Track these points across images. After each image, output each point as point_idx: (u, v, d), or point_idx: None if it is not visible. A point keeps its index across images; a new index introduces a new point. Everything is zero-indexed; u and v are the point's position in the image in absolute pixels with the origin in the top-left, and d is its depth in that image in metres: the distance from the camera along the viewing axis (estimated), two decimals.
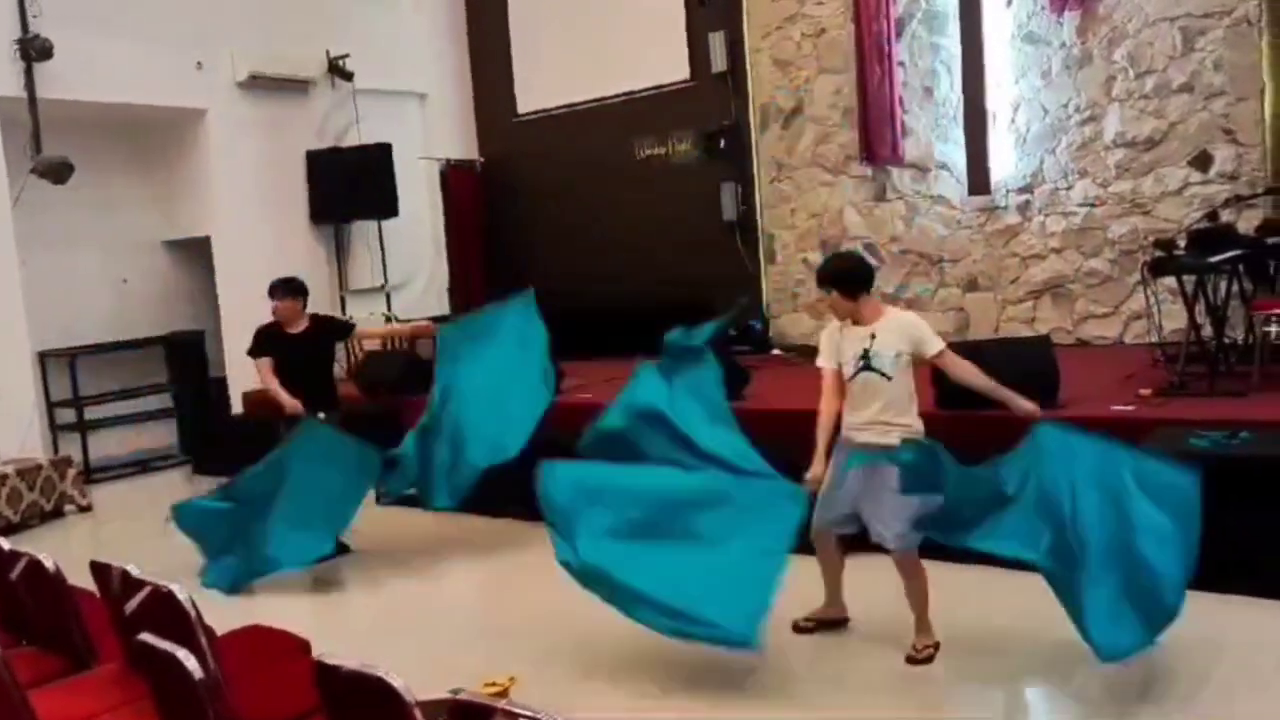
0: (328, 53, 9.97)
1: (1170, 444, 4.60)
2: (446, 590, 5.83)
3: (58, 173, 8.00)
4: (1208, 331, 6.14)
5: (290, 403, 5.89)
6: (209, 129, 9.36)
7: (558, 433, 6.91)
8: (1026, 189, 8.19)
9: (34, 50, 7.95)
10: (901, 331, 4.02)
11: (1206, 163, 7.45)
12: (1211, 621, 4.12)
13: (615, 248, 10.14)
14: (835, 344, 4.08)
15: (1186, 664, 3.81)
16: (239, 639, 3.49)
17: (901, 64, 8.62)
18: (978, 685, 3.87)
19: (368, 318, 9.84)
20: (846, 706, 3.73)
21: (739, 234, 9.64)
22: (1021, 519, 3.67)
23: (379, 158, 9.85)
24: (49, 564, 3.34)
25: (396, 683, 2.10)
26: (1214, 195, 7.26)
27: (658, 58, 9.91)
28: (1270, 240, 6.07)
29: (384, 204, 9.94)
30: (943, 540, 3.88)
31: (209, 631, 2.91)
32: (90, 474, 8.83)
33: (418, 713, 2.08)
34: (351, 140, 10.06)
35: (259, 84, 9.51)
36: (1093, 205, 7.92)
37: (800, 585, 4.07)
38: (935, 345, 4.02)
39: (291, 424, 5.95)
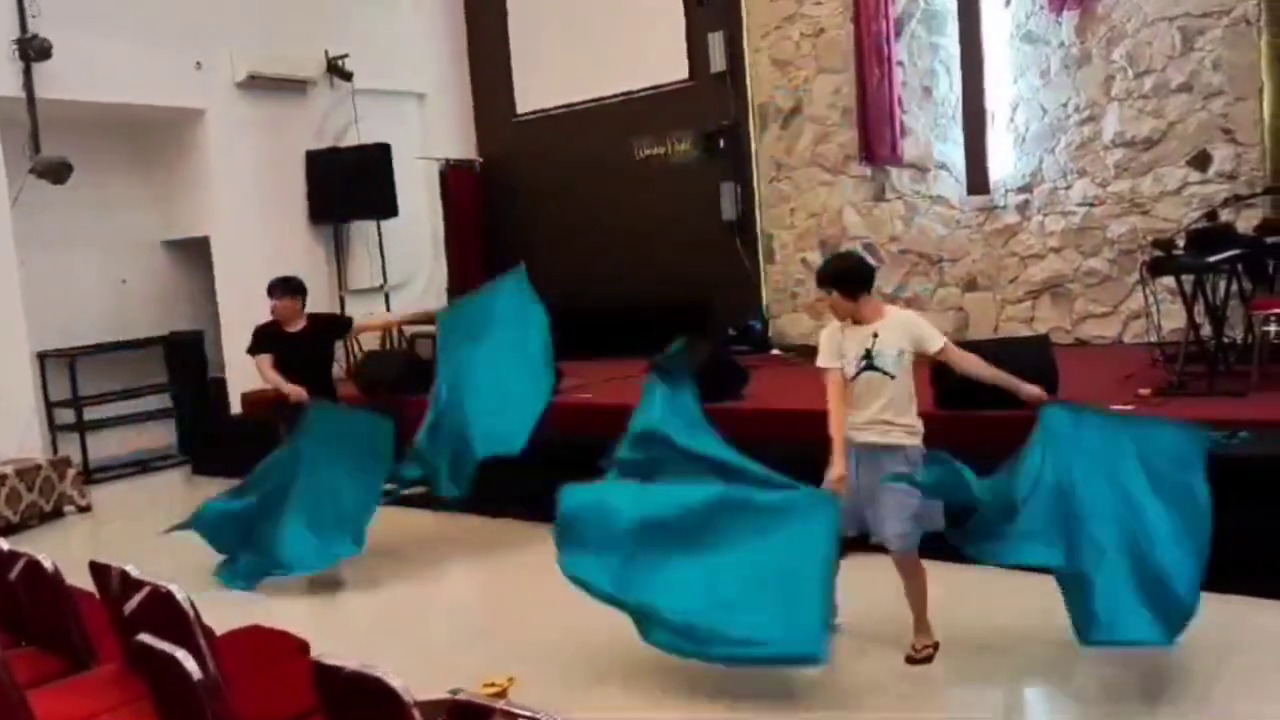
0: (327, 53, 9.97)
1: None
2: (445, 590, 5.84)
3: (57, 173, 8.00)
4: (1207, 331, 6.14)
5: (294, 390, 5.86)
6: (208, 129, 9.36)
7: (557, 433, 6.96)
8: (1025, 189, 8.19)
9: (33, 50, 7.95)
10: (903, 329, 4.02)
11: (1205, 162, 7.45)
12: (1210, 621, 4.11)
13: (614, 248, 10.14)
14: (837, 344, 4.08)
15: (1184, 664, 3.81)
16: (238, 639, 3.48)
17: (900, 64, 8.62)
18: (977, 685, 3.87)
19: (368, 315, 9.84)
20: (846, 706, 3.73)
21: (738, 234, 9.64)
22: (1039, 522, 3.68)
23: (378, 158, 9.85)
24: (48, 564, 3.33)
25: (395, 683, 2.10)
26: (1213, 195, 7.26)
27: (657, 58, 9.91)
28: (1269, 240, 6.07)
29: (383, 204, 9.94)
30: (974, 555, 3.85)
31: (208, 632, 2.91)
32: (89, 474, 8.83)
33: (416, 713, 2.08)
34: (350, 140, 10.06)
35: (258, 84, 9.51)
36: (1092, 205, 7.92)
37: None
38: (937, 341, 4.03)
39: (293, 423, 5.95)
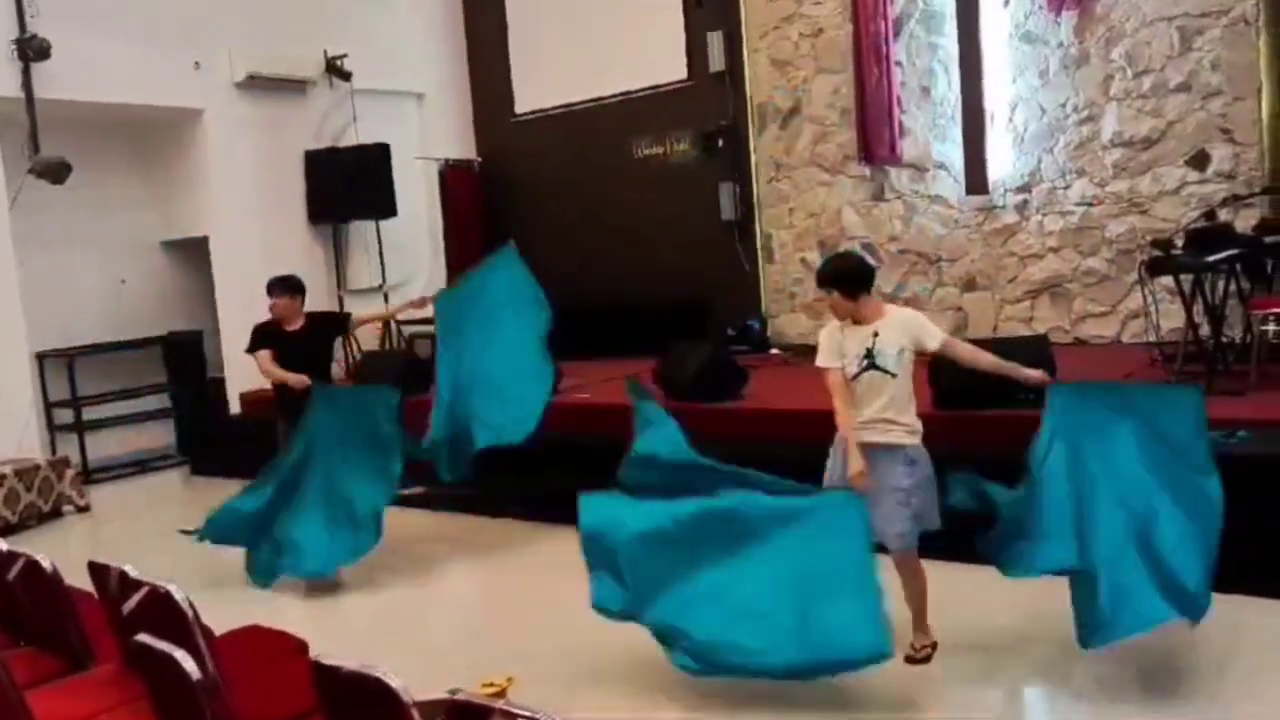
0: (325, 53, 9.97)
1: None
2: (445, 590, 5.83)
3: (56, 173, 8.00)
4: (1205, 330, 6.14)
5: (297, 378, 5.84)
6: (207, 129, 9.35)
7: (557, 434, 6.96)
8: (1024, 188, 8.19)
9: (32, 50, 7.94)
10: (903, 328, 4.03)
11: (1204, 162, 7.45)
12: (1210, 621, 4.12)
13: (613, 248, 10.14)
14: (837, 343, 4.08)
15: (1184, 664, 3.82)
16: (237, 639, 3.48)
17: (899, 64, 8.62)
18: (977, 685, 3.87)
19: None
20: (845, 706, 3.72)
21: (737, 234, 9.64)
22: (1055, 520, 3.70)
23: (377, 158, 9.85)
24: (46, 564, 3.33)
25: (394, 683, 2.10)
26: (1211, 194, 7.26)
27: (656, 57, 9.91)
28: (1268, 239, 6.08)
29: (382, 204, 9.94)
30: (1005, 569, 3.84)
31: (207, 632, 2.90)
32: (88, 474, 8.82)
33: (415, 713, 2.08)
34: (349, 140, 10.05)
35: (257, 84, 9.51)
36: (1090, 204, 7.93)
37: None
38: (937, 338, 4.04)
39: (293, 421, 5.95)
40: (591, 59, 10.30)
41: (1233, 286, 6.27)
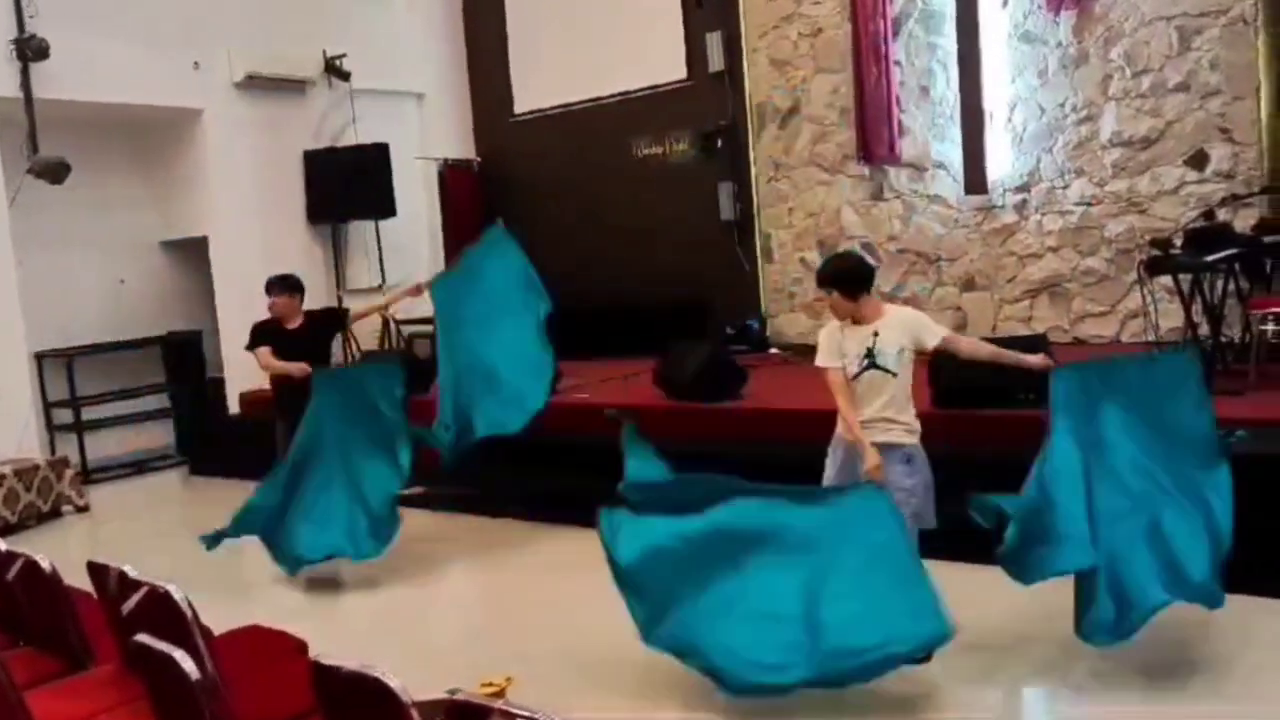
0: (325, 53, 9.96)
1: None
2: (444, 590, 5.84)
3: (55, 173, 7.99)
4: (1204, 330, 6.14)
5: (298, 367, 5.84)
6: (206, 129, 9.35)
7: (557, 435, 6.96)
8: (1023, 188, 8.20)
9: (30, 50, 7.94)
10: (903, 327, 4.04)
11: (1203, 162, 7.46)
12: (1210, 621, 4.12)
13: (612, 248, 10.14)
14: (837, 343, 4.08)
15: (1184, 665, 3.82)
16: (236, 639, 3.48)
17: (898, 63, 8.62)
18: (977, 685, 3.86)
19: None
20: (844, 706, 3.72)
21: (736, 233, 9.64)
22: (1069, 519, 3.71)
23: (376, 158, 9.84)
24: (45, 564, 3.33)
25: (393, 683, 2.10)
26: (1210, 194, 7.26)
27: (655, 57, 9.91)
28: (1266, 239, 6.08)
29: (381, 204, 9.93)
30: (1022, 581, 3.81)
31: (206, 632, 2.90)
32: (87, 474, 8.82)
33: (415, 713, 2.08)
34: (349, 140, 10.05)
35: (256, 84, 9.50)
36: (1089, 204, 7.93)
37: None
38: (937, 335, 4.05)
39: (291, 422, 5.95)
40: (591, 59, 10.30)
41: (1231, 286, 6.27)
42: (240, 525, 5.68)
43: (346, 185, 9.74)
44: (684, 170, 9.87)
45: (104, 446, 9.32)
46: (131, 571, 3.10)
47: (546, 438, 6.92)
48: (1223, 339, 6.21)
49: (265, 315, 6.16)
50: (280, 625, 3.67)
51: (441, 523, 6.62)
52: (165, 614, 2.85)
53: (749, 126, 9.50)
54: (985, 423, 5.47)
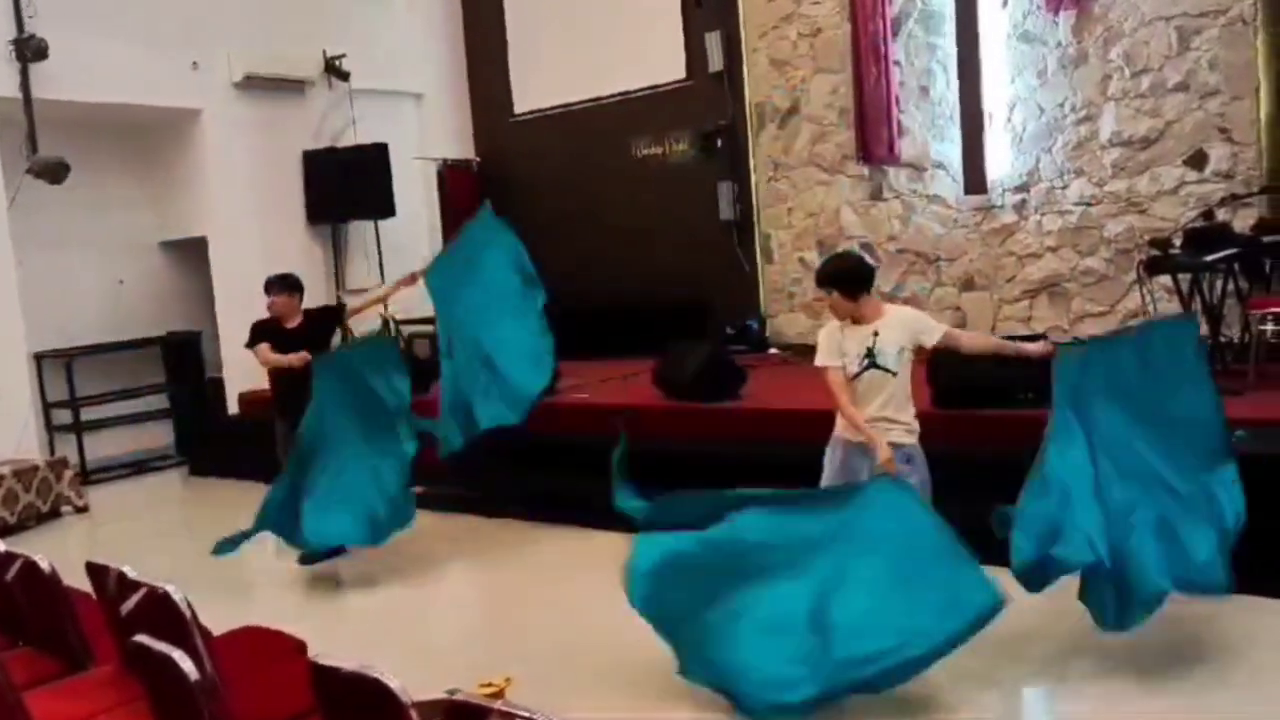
0: (324, 53, 9.96)
1: None
2: (443, 590, 5.83)
3: (54, 173, 7.99)
4: (1203, 330, 6.14)
5: (297, 357, 5.83)
6: (205, 129, 9.35)
7: (557, 438, 6.97)
8: (1023, 188, 8.19)
9: (29, 50, 7.94)
10: (903, 327, 4.05)
11: (1202, 161, 7.45)
12: (1210, 621, 4.12)
13: (612, 248, 10.14)
14: (837, 343, 4.09)
15: (1184, 665, 3.82)
16: (235, 640, 3.48)
17: (898, 63, 8.62)
18: (977, 685, 3.86)
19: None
20: (843, 706, 3.71)
21: (736, 233, 9.64)
22: (1080, 513, 3.71)
23: (376, 158, 9.84)
24: (45, 565, 3.33)
25: (393, 683, 2.10)
26: (1209, 194, 7.26)
27: (654, 57, 9.91)
28: (1266, 239, 6.09)
29: (381, 204, 9.93)
30: (1030, 591, 3.79)
31: (205, 632, 2.90)
32: (87, 475, 8.82)
33: (414, 713, 2.08)
34: (348, 140, 10.05)
35: (255, 84, 9.50)
36: (1089, 204, 7.93)
37: None
38: (937, 331, 4.06)
39: (290, 422, 5.95)
40: (590, 59, 10.30)
41: (1231, 286, 6.28)
42: (258, 524, 5.67)
43: (346, 185, 9.74)
44: (683, 170, 9.87)
45: (103, 447, 9.32)
46: (130, 572, 3.10)
47: (546, 437, 6.94)
48: (1222, 339, 6.21)
49: (265, 315, 6.16)
50: (279, 625, 3.67)
51: (441, 523, 6.61)
52: (164, 614, 2.85)
53: (748, 126, 9.50)
54: (985, 423, 5.47)
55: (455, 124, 11.31)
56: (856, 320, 4.06)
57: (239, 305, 8.59)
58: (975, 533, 3.88)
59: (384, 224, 10.25)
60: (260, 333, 6.06)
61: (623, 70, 10.06)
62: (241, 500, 8.10)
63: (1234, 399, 5.42)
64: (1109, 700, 3.66)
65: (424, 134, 11.07)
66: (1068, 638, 3.74)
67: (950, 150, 8.44)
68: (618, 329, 9.39)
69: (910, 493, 3.72)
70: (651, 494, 3.93)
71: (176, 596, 2.87)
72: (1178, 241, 6.34)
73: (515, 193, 10.94)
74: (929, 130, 8.58)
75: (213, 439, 9.37)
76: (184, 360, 9.79)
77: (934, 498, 4.04)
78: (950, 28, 8.32)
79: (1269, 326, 6.04)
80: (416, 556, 6.02)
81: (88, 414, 9.15)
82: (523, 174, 10.87)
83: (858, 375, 4.02)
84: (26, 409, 8.18)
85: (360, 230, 10.29)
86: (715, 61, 9.48)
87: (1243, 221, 6.77)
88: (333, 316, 6.66)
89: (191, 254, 9.86)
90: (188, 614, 2.84)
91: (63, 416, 9.09)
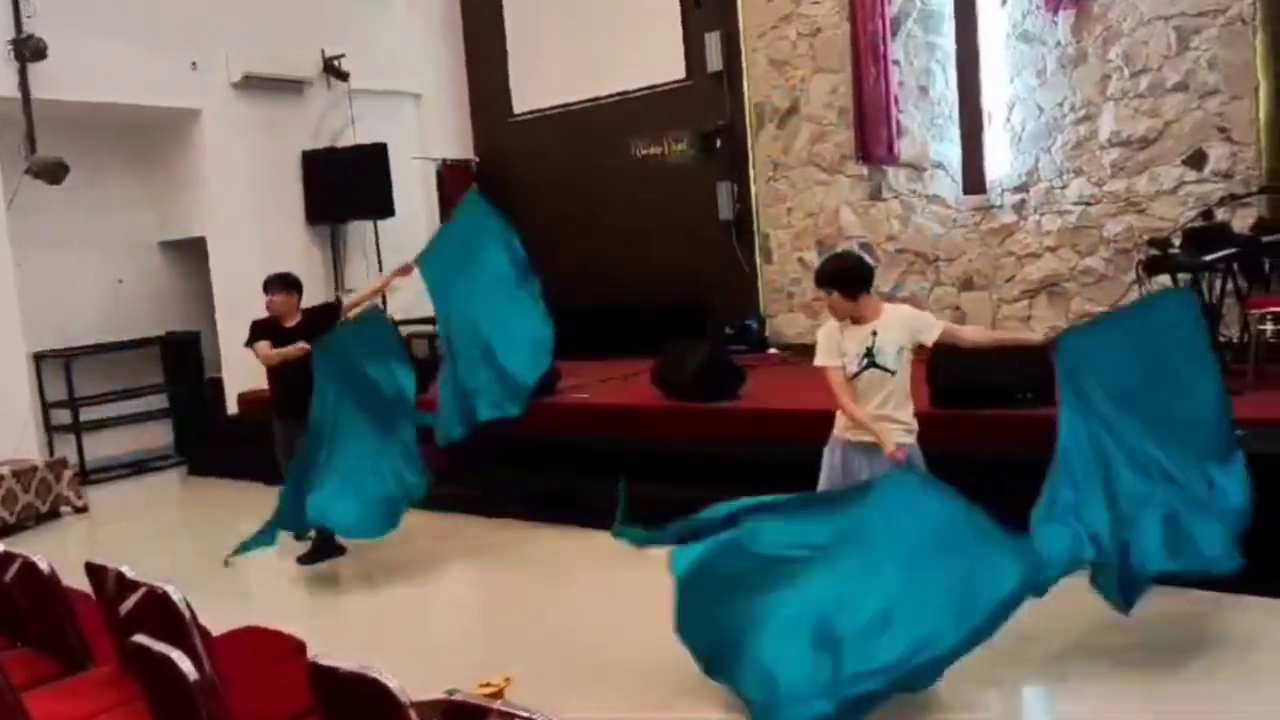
0: (323, 53, 9.95)
1: None
2: (443, 590, 5.83)
3: (53, 173, 7.99)
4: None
5: (296, 347, 5.83)
6: (204, 129, 9.34)
7: (557, 438, 6.97)
8: (1022, 188, 8.20)
9: (28, 50, 7.93)
10: (902, 326, 4.05)
11: (1201, 161, 7.46)
12: (1209, 620, 4.13)
13: (611, 248, 10.14)
14: (836, 343, 4.09)
15: (1184, 664, 3.82)
16: (234, 640, 3.48)
17: (897, 63, 8.62)
18: (977, 685, 3.86)
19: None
20: None
21: (735, 233, 9.64)
22: (1088, 506, 3.72)
23: (375, 158, 9.84)
24: (43, 565, 3.33)
25: (392, 683, 2.10)
26: (1209, 194, 7.26)
27: (653, 57, 9.91)
28: (1265, 238, 6.08)
29: (380, 204, 9.93)
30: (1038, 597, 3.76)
31: (204, 633, 2.90)
32: (86, 475, 8.81)
33: (413, 713, 2.08)
34: (347, 140, 10.05)
35: (254, 84, 9.50)
36: (1088, 204, 7.93)
37: None
38: (935, 328, 4.06)
39: (288, 421, 5.95)
40: (589, 59, 10.29)
41: (1230, 286, 6.27)
42: (275, 523, 5.67)
43: (345, 185, 9.74)
44: (683, 170, 9.87)
45: (102, 447, 9.31)
46: (129, 572, 3.10)
47: (546, 437, 6.95)
48: (1221, 339, 6.21)
49: (264, 314, 6.16)
50: (278, 625, 3.67)
51: (441, 523, 6.61)
52: (163, 615, 2.85)
53: (747, 126, 9.50)
54: (985, 423, 5.47)
55: (454, 124, 11.31)
56: (856, 320, 4.06)
57: (238, 305, 8.58)
58: None
59: (383, 224, 10.24)
60: (259, 331, 6.06)
61: (622, 70, 10.06)
62: (241, 500, 8.15)
63: (1233, 399, 5.44)
64: (1109, 700, 3.66)
65: (423, 134, 11.07)
66: (1068, 638, 3.74)
67: (949, 150, 8.44)
68: (617, 329, 9.39)
69: (922, 482, 3.69)
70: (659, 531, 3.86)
71: (175, 597, 2.87)
72: (1177, 241, 6.34)
73: (514, 193, 10.92)
74: (928, 130, 8.58)
75: (212, 439, 9.37)
76: (183, 360, 9.78)
77: None
78: (949, 27, 8.32)
79: (1268, 326, 6.04)
80: (416, 556, 6.02)
81: (87, 414, 9.14)
82: (522, 174, 10.87)
83: (857, 375, 4.02)
84: (26, 409, 8.18)
85: (359, 230, 10.28)
86: (714, 61, 9.48)
87: (1242, 221, 6.77)
88: (331, 314, 6.64)
89: (191, 254, 9.86)
90: (187, 614, 2.84)
91: (62, 417, 9.09)
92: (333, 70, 9.99)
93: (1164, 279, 6.52)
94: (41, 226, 8.65)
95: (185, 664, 2.40)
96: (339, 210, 9.93)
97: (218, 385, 9.58)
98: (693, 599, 3.60)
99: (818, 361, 4.14)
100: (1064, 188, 8.02)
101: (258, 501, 7.54)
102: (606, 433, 6.89)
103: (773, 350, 9.13)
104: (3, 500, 7.44)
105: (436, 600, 5.68)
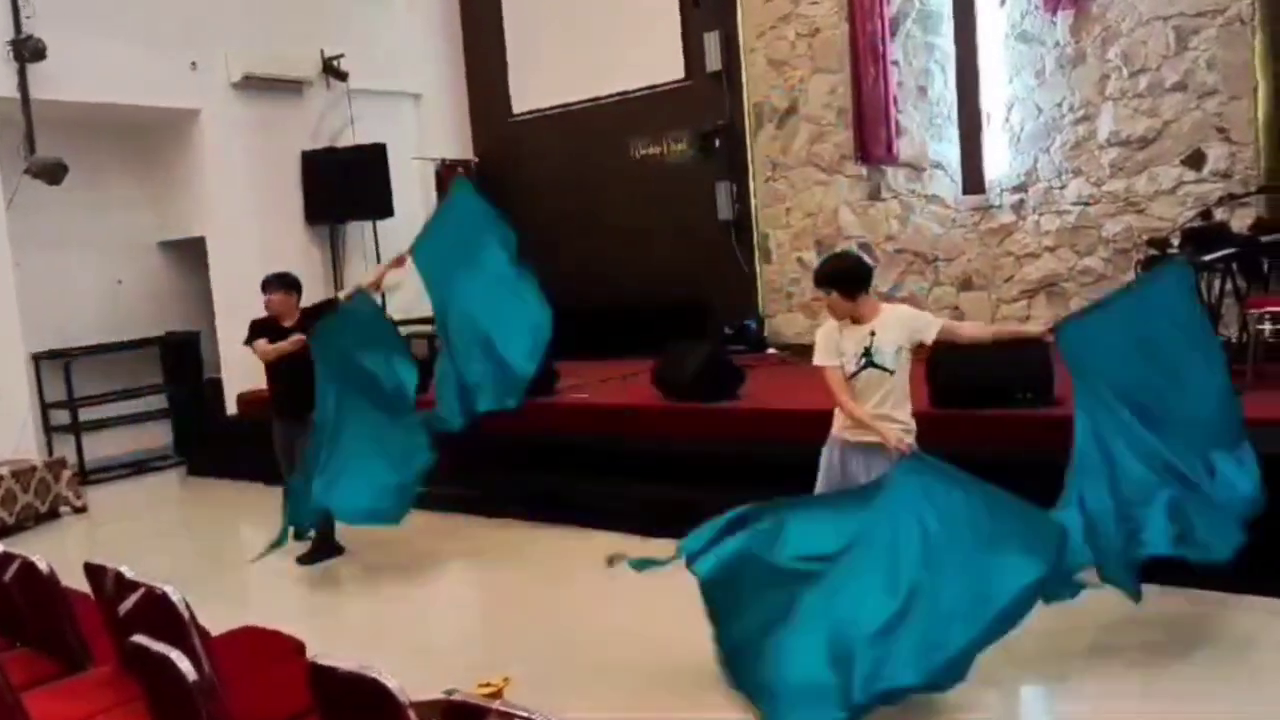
0: (322, 53, 9.95)
1: None
2: (442, 590, 5.83)
3: (52, 173, 7.99)
4: None
5: (295, 340, 5.84)
6: (203, 129, 9.34)
7: (557, 438, 6.97)
8: (1021, 188, 8.20)
9: (28, 51, 7.93)
10: (900, 325, 4.05)
11: (1200, 161, 7.46)
12: (1208, 620, 4.13)
13: (610, 248, 10.14)
14: (834, 342, 4.09)
15: (1183, 664, 3.82)
16: (233, 640, 3.48)
17: (896, 63, 8.62)
18: (977, 685, 3.86)
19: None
20: None
21: (734, 233, 9.65)
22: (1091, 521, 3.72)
23: (374, 158, 9.84)
24: (42, 566, 3.33)
25: (391, 683, 2.10)
26: (1207, 194, 7.27)
27: (653, 57, 9.91)
28: (1263, 238, 6.09)
29: (379, 204, 9.93)
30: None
31: (203, 633, 2.90)
32: (85, 475, 8.82)
33: (412, 713, 2.08)
34: (346, 140, 10.05)
35: (253, 84, 9.50)
36: (1087, 204, 7.93)
37: None
38: (934, 326, 4.05)
39: (287, 421, 5.95)
40: (589, 59, 10.30)
41: (1229, 286, 6.28)
42: (289, 521, 5.69)
43: (344, 186, 9.74)
44: (682, 170, 9.87)
45: (102, 447, 9.31)
46: (129, 572, 3.10)
47: (546, 437, 6.95)
48: (1220, 339, 6.21)
49: (263, 314, 6.16)
50: (277, 625, 3.67)
51: (441, 523, 6.61)
52: (162, 615, 2.85)
53: (746, 126, 9.50)
54: (984, 422, 5.47)
55: (454, 124, 11.31)
56: (854, 320, 4.06)
57: (237, 305, 8.58)
58: None
59: (382, 224, 10.23)
60: (258, 330, 6.07)
61: (621, 70, 10.06)
62: (240, 500, 8.15)
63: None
64: (1109, 700, 3.66)
65: (422, 134, 11.07)
66: (1068, 638, 3.73)
67: (948, 150, 8.45)
68: (616, 329, 9.40)
69: (928, 481, 3.68)
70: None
71: (175, 597, 2.87)
72: (1176, 241, 6.35)
73: (514, 193, 10.92)
74: (927, 130, 8.58)
75: (211, 439, 9.37)
76: (182, 360, 9.78)
77: None
78: (948, 27, 8.32)
79: (1266, 326, 6.04)
80: (416, 556, 6.02)
81: (86, 414, 9.14)
82: (521, 174, 10.87)
83: (855, 374, 4.02)
84: (25, 409, 8.18)
85: (358, 230, 10.28)
86: (713, 61, 9.48)
87: (1240, 221, 6.77)
88: (327, 312, 6.64)
89: (190, 254, 9.85)
90: (186, 614, 2.83)
91: (61, 417, 9.08)
92: (332, 70, 9.99)
93: None
94: (41, 227, 8.65)
95: (184, 664, 2.40)
96: (338, 210, 9.93)
97: (217, 385, 9.58)
98: (720, 596, 3.60)
99: (816, 361, 4.13)
100: (1063, 188, 8.02)
101: (257, 502, 7.58)
102: (606, 433, 6.89)
103: (772, 350, 9.13)
104: (2, 500, 7.43)
105: (436, 600, 5.68)
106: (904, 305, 4.51)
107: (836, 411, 4.15)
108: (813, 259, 8.62)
